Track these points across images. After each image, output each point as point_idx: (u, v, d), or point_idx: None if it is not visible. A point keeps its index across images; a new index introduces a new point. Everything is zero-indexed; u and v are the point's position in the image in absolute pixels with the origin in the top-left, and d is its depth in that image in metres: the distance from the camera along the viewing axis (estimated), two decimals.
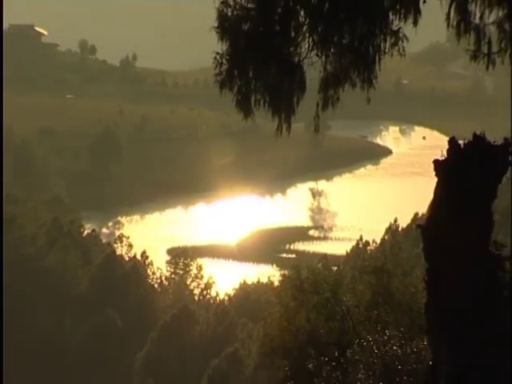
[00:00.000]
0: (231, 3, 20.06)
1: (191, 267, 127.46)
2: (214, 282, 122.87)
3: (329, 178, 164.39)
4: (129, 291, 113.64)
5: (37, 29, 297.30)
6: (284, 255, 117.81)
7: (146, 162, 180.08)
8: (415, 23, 19.48)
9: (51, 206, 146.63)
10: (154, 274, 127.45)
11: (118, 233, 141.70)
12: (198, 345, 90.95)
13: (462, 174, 20.61)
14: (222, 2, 20.02)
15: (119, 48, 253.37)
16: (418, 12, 19.45)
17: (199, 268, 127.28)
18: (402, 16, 19.40)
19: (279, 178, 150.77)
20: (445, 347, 20.06)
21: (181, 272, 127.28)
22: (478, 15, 19.27)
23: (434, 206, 20.99)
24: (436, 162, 20.90)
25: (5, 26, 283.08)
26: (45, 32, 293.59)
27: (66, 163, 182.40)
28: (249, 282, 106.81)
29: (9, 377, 70.79)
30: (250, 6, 20.04)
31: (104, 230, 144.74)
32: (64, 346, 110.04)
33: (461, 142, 21.05)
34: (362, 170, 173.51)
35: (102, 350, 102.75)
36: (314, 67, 19.88)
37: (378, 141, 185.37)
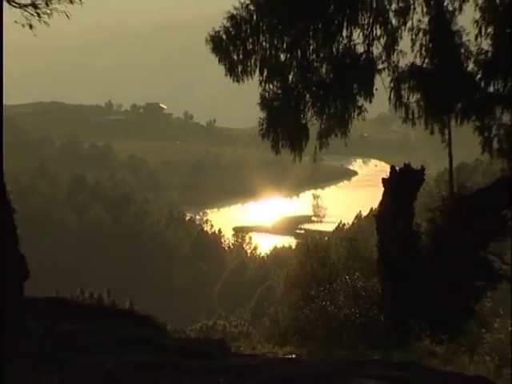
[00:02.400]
0: (268, 90, 25.79)
1: (245, 238, 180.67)
2: (258, 246, 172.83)
3: (323, 188, 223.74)
4: (211, 251, 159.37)
5: (160, 105, 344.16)
6: (297, 231, 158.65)
7: (220, 179, 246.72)
8: (370, 101, 25.67)
9: (168, 204, 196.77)
10: (225, 241, 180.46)
11: (204, 218, 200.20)
12: (249, 281, 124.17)
13: (397, 186, 27.22)
14: (263, 90, 25.84)
15: (207, 111, 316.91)
16: (372, 95, 25.52)
17: (250, 238, 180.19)
18: (363, 97, 25.64)
19: (295, 187, 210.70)
20: (387, 282, 27.20)
21: (240, 240, 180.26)
22: (406, 97, 25.21)
23: (382, 204, 28.20)
24: (383, 179, 27.64)
25: (142, 103, 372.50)
26: (164, 106, 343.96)
27: (177, 179, 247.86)
28: (278, 246, 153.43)
29: None
30: (279, 91, 25.74)
31: (197, 217, 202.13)
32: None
33: (397, 168, 27.53)
34: (341, 183, 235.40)
35: (196, 288, 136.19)
36: (314, 126, 26.16)
37: (350, 167, 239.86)
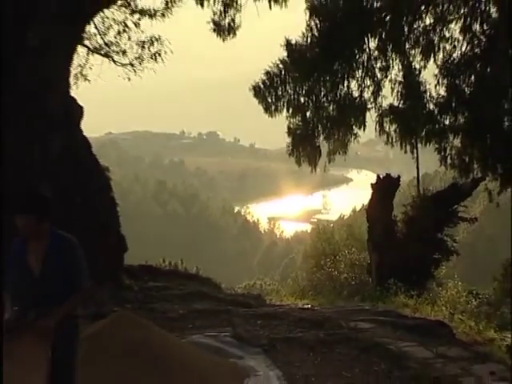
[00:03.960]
0: (292, 122, 25.68)
1: (276, 224, 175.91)
2: (284, 230, 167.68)
3: (329, 189, 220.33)
4: (251, 234, 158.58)
5: (217, 132, 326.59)
6: (312, 220, 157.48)
7: (258, 184, 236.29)
8: (364, 129, 25.46)
9: (222, 200, 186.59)
10: (261, 227, 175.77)
11: (247, 211, 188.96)
12: (278, 254, 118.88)
13: (381, 189, 27.40)
14: (289, 122, 25.67)
15: (249, 137, 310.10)
16: (363, 125, 25.22)
17: (279, 225, 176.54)
18: (357, 127, 25.37)
19: (310, 189, 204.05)
20: (374, 255, 27.11)
21: (272, 226, 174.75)
22: (387, 127, 24.71)
23: (370, 201, 28.19)
24: (371, 184, 27.90)
25: (205, 131, 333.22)
26: (220, 133, 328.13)
27: (228, 184, 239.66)
28: (298, 230, 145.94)
29: None
30: (299, 123, 25.68)
31: (242, 210, 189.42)
32: None
33: (381, 176, 27.82)
34: (342, 187, 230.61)
35: (241, 259, 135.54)
36: (324, 147, 25.81)
37: (348, 176, 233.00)
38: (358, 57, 24.21)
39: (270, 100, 24.67)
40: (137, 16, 21.33)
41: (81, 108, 13.45)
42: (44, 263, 5.06)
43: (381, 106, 24.93)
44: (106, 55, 21.63)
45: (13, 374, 5.09)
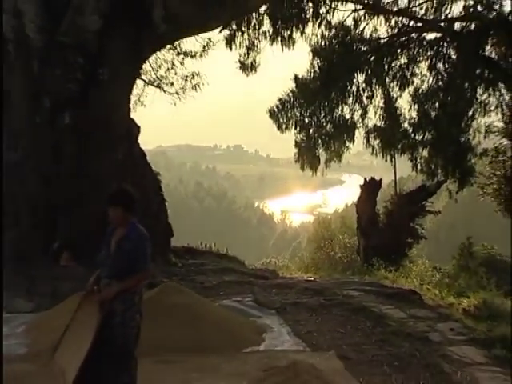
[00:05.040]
0: (299, 138, 25.31)
1: (286, 215, 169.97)
2: (293, 221, 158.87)
3: (327, 189, 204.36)
4: (267, 223, 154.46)
5: (242, 145, 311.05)
6: (314, 213, 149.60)
7: (273, 185, 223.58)
8: (353, 143, 25.16)
9: (244, 197, 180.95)
10: (275, 217, 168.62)
11: (264, 205, 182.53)
12: (288, 239, 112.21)
13: (367, 189, 27.47)
14: (296, 137, 25.32)
15: (266, 148, 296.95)
16: (353, 140, 24.96)
17: (289, 216, 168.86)
18: (349, 141, 25.05)
19: (313, 188, 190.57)
20: (361, 239, 26.89)
21: (283, 217, 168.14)
22: (372, 141, 24.45)
23: (359, 198, 27.97)
24: (360, 185, 28.09)
25: (232, 144, 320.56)
26: (244, 146, 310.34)
27: (250, 185, 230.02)
28: (304, 220, 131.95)
29: None
30: (304, 138, 25.20)
31: (260, 205, 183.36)
32: None
33: (367, 179, 27.93)
34: (337, 187, 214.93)
35: (260, 242, 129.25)
36: (323, 156, 25.44)
37: (342, 179, 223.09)
38: (349, 88, 24.14)
39: (281, 120, 24.70)
40: (181, 56, 21.67)
41: (138, 127, 13.59)
42: (118, 245, 5.14)
43: (367, 125, 24.78)
44: (158, 86, 22.03)
45: (75, 320, 5.21)
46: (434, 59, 22.35)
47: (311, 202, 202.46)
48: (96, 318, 4.92)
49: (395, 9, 22.15)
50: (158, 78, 21.90)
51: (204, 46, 21.74)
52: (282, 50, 22.68)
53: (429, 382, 6.83)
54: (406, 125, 23.83)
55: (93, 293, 5.19)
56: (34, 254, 11.06)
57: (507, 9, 21.26)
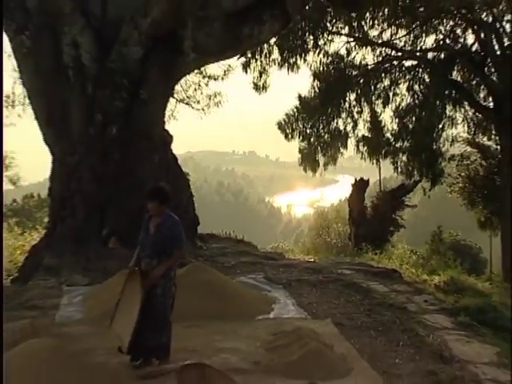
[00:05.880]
0: (302, 145, 25.17)
1: (290, 208, 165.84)
2: (296, 213, 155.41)
3: (324, 187, 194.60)
4: (275, 215, 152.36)
5: (255, 151, 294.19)
6: (314, 206, 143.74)
7: (281, 183, 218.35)
8: (346, 149, 25.25)
9: (257, 194, 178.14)
10: (282, 210, 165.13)
11: (273, 200, 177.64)
12: (292, 228, 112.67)
13: (357, 187, 27.03)
14: (300, 144, 25.18)
15: (275, 153, 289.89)
16: (346, 147, 24.94)
17: (293, 209, 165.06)
18: (343, 148, 25.10)
19: (313, 187, 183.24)
20: (353, 228, 26.37)
21: (289, 210, 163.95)
22: (361, 148, 24.56)
23: (351, 195, 27.60)
24: (352, 184, 27.64)
25: (247, 150, 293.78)
26: (256, 152, 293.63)
27: (261, 183, 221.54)
28: (306, 213, 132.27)
29: None
30: (306, 145, 25.01)
31: (270, 199, 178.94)
32: None
33: (357, 179, 27.61)
34: (332, 185, 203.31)
35: (268, 230, 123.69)
36: (321, 160, 25.33)
37: (336, 178, 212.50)
38: (342, 105, 24.09)
39: (288, 131, 24.74)
40: (206, 79, 21.76)
41: (171, 136, 13.64)
42: (157, 229, 5.18)
43: (357, 135, 24.85)
44: (187, 103, 22.08)
45: (123, 294, 5.24)
46: (411, 82, 22.52)
47: (311, 198, 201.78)
48: (140, 292, 4.99)
49: (380, 41, 22.16)
50: (187, 96, 21.93)
51: (225, 71, 21.82)
52: (288, 73, 22.78)
53: (407, 343, 6.88)
54: (388, 135, 23.87)
55: (134, 272, 5.21)
56: (88, 239, 11.24)
57: (470, 41, 21.58)
